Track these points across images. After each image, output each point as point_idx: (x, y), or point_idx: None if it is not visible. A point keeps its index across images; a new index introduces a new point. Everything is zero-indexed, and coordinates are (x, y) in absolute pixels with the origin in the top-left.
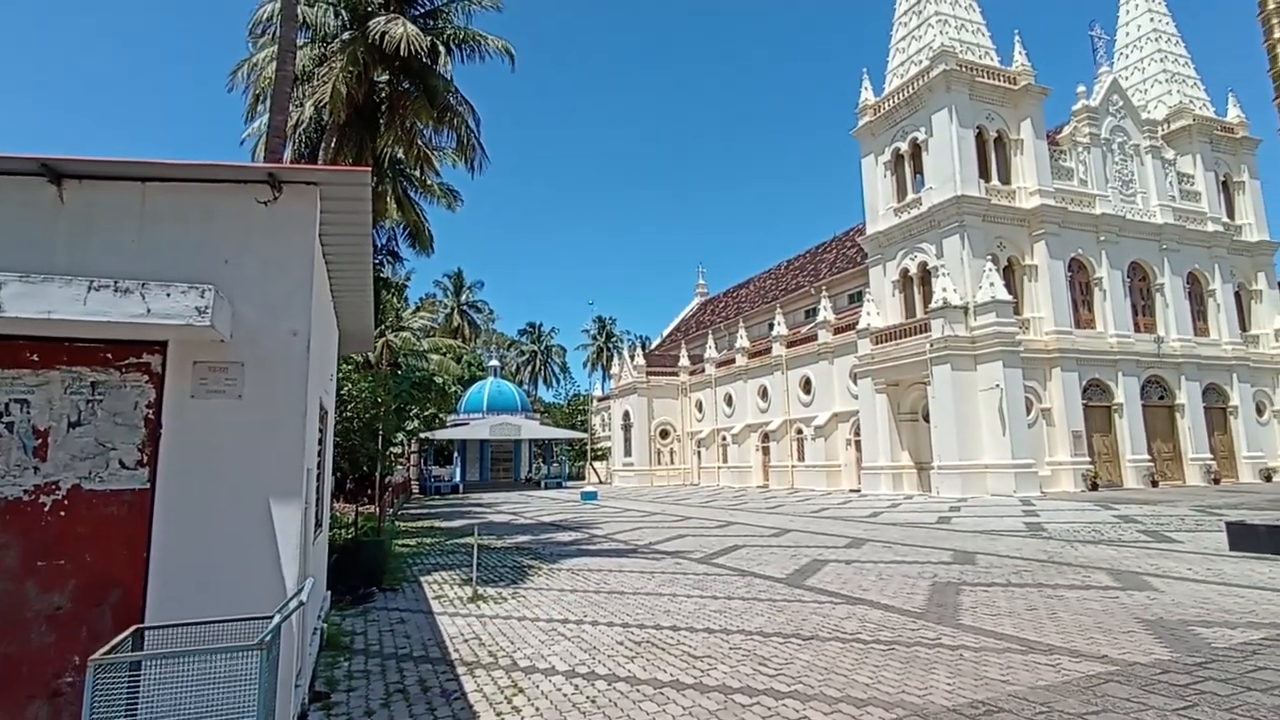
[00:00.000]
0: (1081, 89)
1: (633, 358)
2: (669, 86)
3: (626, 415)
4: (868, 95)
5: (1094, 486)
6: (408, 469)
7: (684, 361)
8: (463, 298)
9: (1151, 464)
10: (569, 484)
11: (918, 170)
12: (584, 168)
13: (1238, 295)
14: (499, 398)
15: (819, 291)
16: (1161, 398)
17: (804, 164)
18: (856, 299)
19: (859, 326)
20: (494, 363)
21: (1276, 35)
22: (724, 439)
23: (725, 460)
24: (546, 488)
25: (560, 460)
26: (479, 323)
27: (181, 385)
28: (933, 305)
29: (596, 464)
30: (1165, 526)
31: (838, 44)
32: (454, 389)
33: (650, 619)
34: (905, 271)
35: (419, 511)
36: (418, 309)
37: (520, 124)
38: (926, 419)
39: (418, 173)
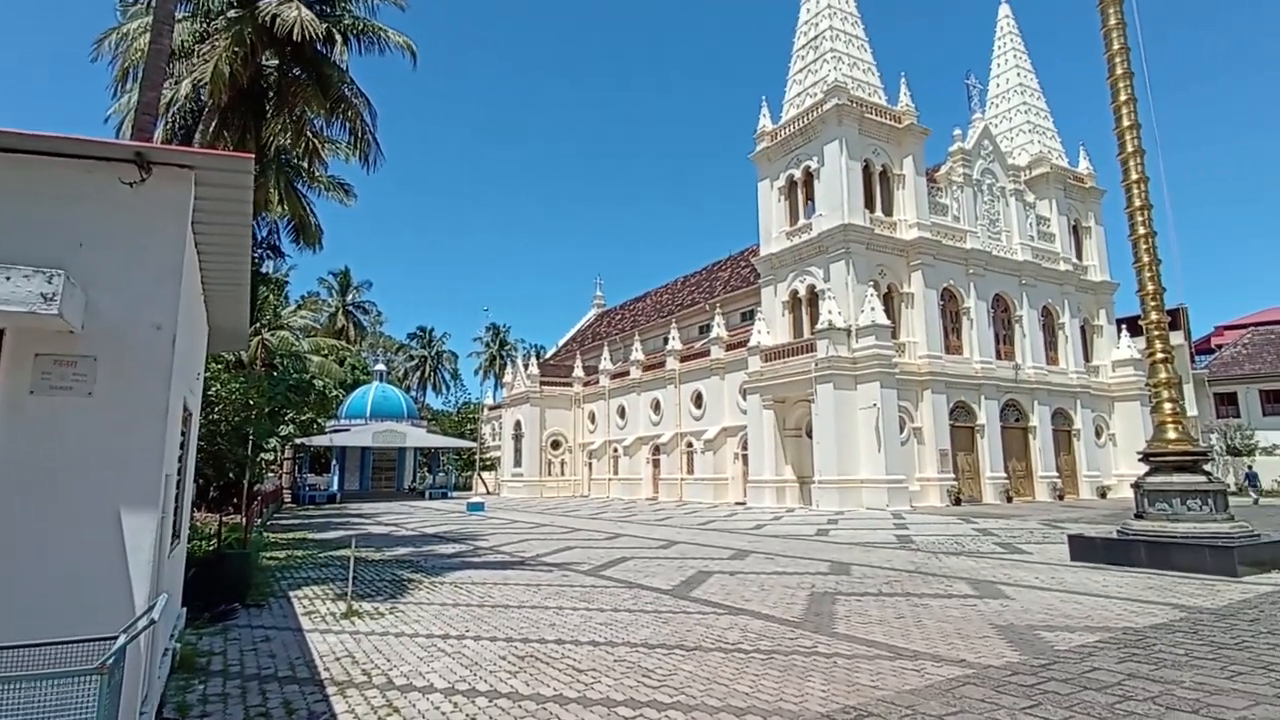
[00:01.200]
0: (958, 132)
1: (526, 366)
2: (573, 99)
3: (518, 425)
4: (766, 122)
5: (957, 501)
6: (280, 477)
7: (578, 372)
8: (349, 297)
9: (1007, 481)
10: (455, 494)
11: (809, 197)
12: (485, 174)
13: (1083, 329)
14: (384, 403)
15: (713, 308)
16: (1017, 420)
17: (705, 183)
18: (749, 317)
19: (749, 344)
20: (380, 366)
21: (1122, 98)
22: (615, 451)
23: (616, 472)
24: (431, 498)
25: (447, 470)
26: (365, 324)
27: (19, 380)
28: (819, 326)
29: (485, 474)
30: (1017, 539)
31: (739, 69)
32: (335, 393)
33: (535, 633)
34: (795, 293)
35: (291, 522)
36: (299, 307)
37: (423, 125)
38: (809, 435)
39: (306, 164)
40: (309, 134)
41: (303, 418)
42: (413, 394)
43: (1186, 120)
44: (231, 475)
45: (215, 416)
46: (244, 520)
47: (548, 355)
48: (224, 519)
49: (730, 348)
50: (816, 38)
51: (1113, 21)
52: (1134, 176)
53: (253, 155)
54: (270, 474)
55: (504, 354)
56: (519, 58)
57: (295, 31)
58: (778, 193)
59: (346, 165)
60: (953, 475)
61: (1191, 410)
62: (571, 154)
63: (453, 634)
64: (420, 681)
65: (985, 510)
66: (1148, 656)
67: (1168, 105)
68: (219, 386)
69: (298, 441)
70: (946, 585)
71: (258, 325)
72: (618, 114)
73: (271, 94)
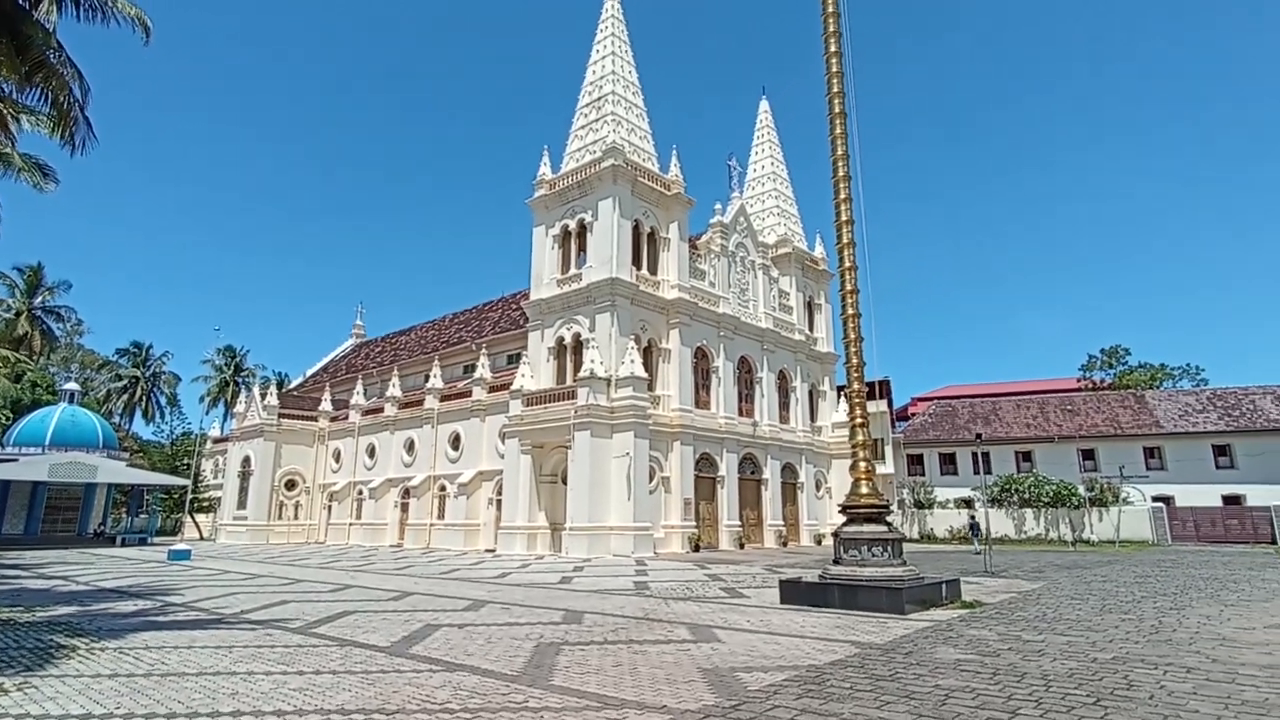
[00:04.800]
0: (719, 207)
1: (264, 396)
2: (339, 118)
3: (247, 461)
4: (545, 170)
5: (696, 548)
6: None
7: (326, 406)
8: (38, 299)
9: (741, 529)
10: (159, 540)
11: (582, 248)
12: (236, 184)
13: (810, 393)
14: (71, 429)
15: (480, 349)
16: (753, 473)
17: (481, 222)
18: (515, 360)
19: (513, 387)
20: (71, 385)
21: (842, 196)
22: (360, 493)
23: (359, 516)
24: (125, 544)
25: (153, 511)
26: (59, 334)
27: None
28: (581, 374)
29: (199, 517)
30: (741, 584)
31: (521, 112)
32: None
33: (208, 705)
34: (561, 340)
35: None
36: None
37: (163, 118)
38: (565, 481)
39: None
40: None
41: None
42: (115, 420)
43: (900, 225)
44: None
45: None
46: None
47: (292, 385)
48: None
49: (494, 389)
50: (600, 99)
51: (838, 130)
52: (846, 264)
53: None
54: None
55: (239, 380)
56: (289, 60)
57: None
58: (552, 240)
59: (49, 140)
60: (694, 523)
61: (891, 469)
62: (336, 174)
63: (97, 713)
64: None
65: (720, 556)
66: (821, 691)
67: (881, 210)
68: None
69: None
70: (669, 631)
71: None
72: (389, 139)
73: None
